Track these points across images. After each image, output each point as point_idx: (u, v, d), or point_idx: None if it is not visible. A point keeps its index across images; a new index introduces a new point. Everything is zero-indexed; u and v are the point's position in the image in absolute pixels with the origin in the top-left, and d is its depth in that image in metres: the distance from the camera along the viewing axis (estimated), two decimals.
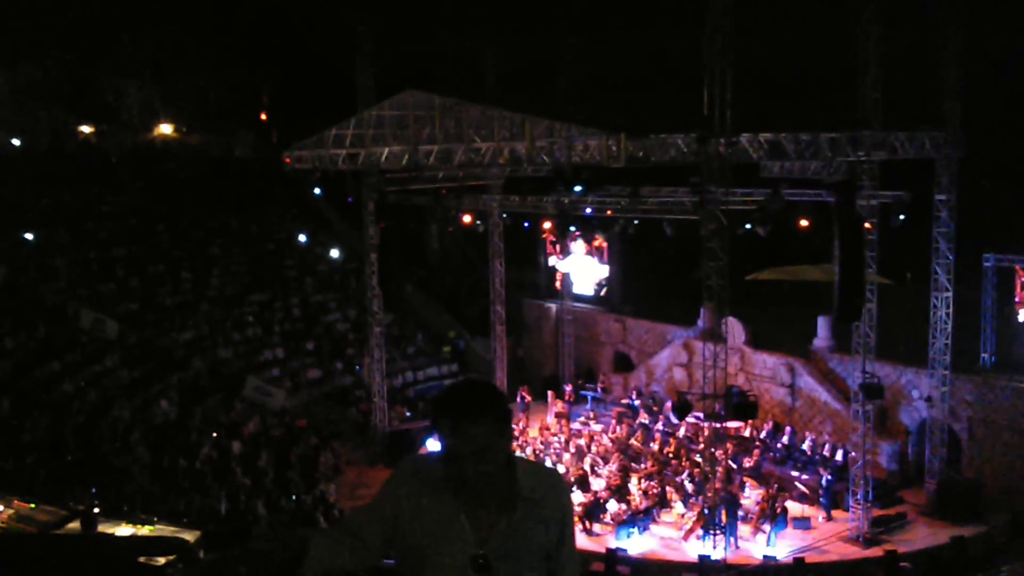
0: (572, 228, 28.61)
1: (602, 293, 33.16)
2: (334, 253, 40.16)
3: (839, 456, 24.52)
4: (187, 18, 46.97)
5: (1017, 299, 24.02)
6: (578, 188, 22.45)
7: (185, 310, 33.28)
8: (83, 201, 38.10)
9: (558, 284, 34.66)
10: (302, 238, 41.01)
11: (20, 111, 44.79)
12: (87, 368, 28.35)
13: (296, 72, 47.64)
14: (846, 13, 20.99)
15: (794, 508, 23.08)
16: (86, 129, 48.23)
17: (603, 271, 32.49)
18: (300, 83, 47.24)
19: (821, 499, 23.35)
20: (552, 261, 33.96)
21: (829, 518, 23.04)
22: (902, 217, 23.28)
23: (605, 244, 31.74)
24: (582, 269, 33.02)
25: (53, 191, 37.82)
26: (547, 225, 31.86)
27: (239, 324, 33.80)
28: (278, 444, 27.52)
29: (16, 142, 43.53)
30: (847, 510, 22.57)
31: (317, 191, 42.68)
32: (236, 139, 49.00)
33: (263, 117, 53.25)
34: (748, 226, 21.67)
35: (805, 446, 25.59)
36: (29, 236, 34.11)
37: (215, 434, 26.55)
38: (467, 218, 30.51)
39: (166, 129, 50.16)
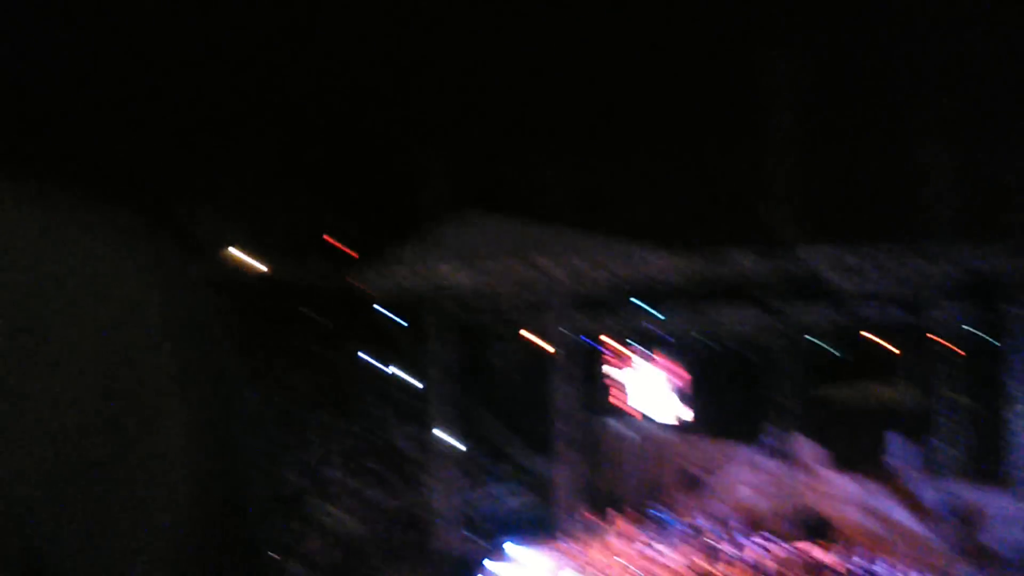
0: (638, 347, 28.59)
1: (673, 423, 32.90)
2: (403, 375, 40.36)
3: None
4: (264, 152, 48.51)
5: None
6: (644, 306, 22.55)
7: (263, 437, 33.43)
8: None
9: (627, 409, 34.48)
10: (371, 361, 41.31)
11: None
12: None
13: (367, 196, 48.67)
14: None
15: None
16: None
17: (670, 397, 32.40)
18: (377, 216, 48.17)
19: None
20: (618, 375, 33.80)
21: None
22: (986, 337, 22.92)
23: (670, 364, 31.55)
24: (647, 389, 32.75)
25: None
26: (612, 344, 31.79)
27: (303, 445, 33.92)
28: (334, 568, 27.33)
29: None
30: None
31: (386, 314, 43.17)
32: (317, 272, 49.84)
33: (335, 244, 54.15)
34: (823, 346, 21.49)
35: (884, 571, 24.54)
36: None
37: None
38: (533, 338, 30.63)
39: (242, 257, 51.20)
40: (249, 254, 50.15)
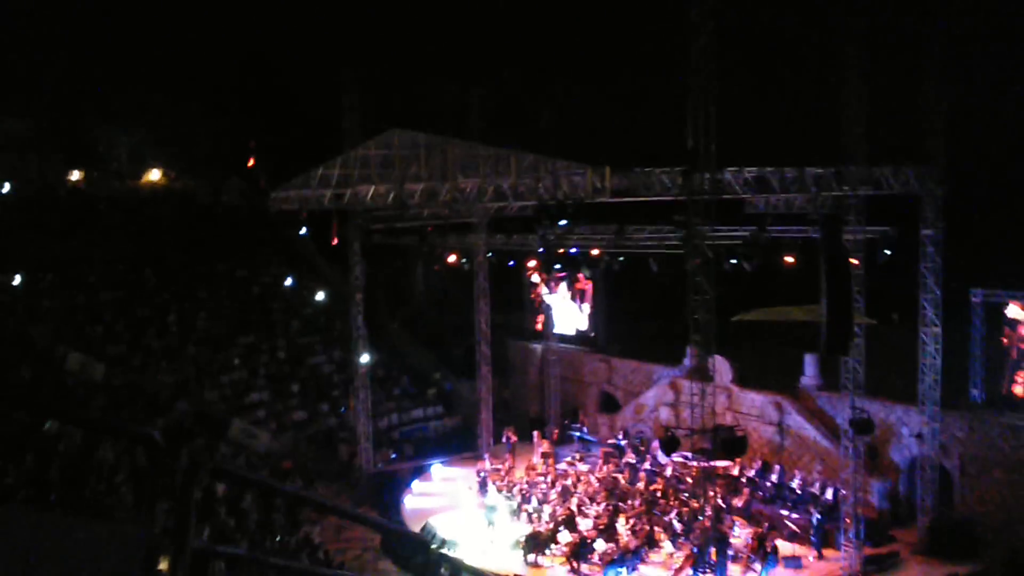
0: (557, 267, 28.56)
1: (591, 334, 33.25)
2: (320, 295, 39.95)
3: (829, 494, 24.16)
4: (175, 67, 47.18)
5: (1005, 337, 23.88)
6: (563, 222, 22.33)
7: (171, 353, 32.93)
8: (71, 246, 37.90)
9: (539, 326, 34.79)
10: (288, 281, 40.80)
11: (9, 159, 44.75)
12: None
13: (282, 118, 47.80)
14: (831, 49, 21.09)
15: (784, 547, 22.69)
16: (76, 176, 48.17)
17: (584, 320, 32.89)
18: (286, 129, 47.38)
19: (812, 538, 23.00)
20: (537, 299, 34.04)
21: (820, 557, 22.67)
22: (888, 252, 23.30)
23: (590, 285, 31.73)
24: (565, 311, 33.07)
25: (42, 236, 37.64)
26: (532, 264, 31.73)
27: (225, 367, 33.46)
28: (258, 494, 27.00)
29: (6, 188, 43.40)
30: (838, 549, 22.22)
31: (303, 233, 42.58)
32: (224, 185, 49.00)
33: (250, 163, 53.27)
34: (734, 260, 21.64)
35: (794, 484, 25.24)
36: (17, 280, 33.88)
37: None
38: (452, 257, 30.43)
39: (154, 176, 50.15)
40: (171, 176, 48.92)
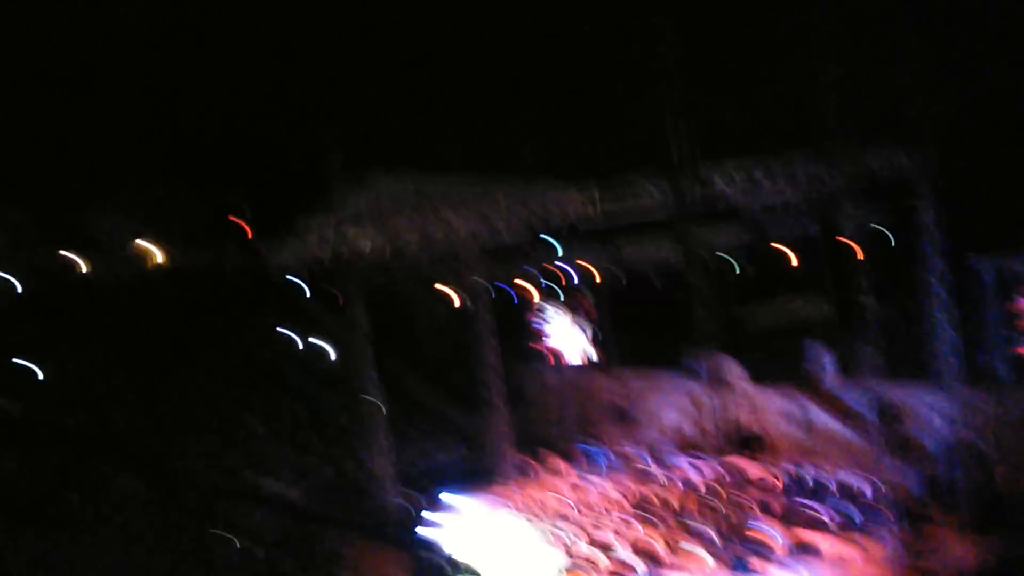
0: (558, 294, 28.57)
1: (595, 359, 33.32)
2: (331, 351, 39.94)
3: (863, 485, 23.71)
4: (159, 144, 47.47)
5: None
6: (559, 248, 22.29)
7: (195, 423, 33.18)
8: (82, 333, 38.12)
9: (542, 347, 34.97)
10: (298, 342, 40.83)
11: (8, 253, 44.96)
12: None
13: (272, 179, 47.94)
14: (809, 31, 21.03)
15: (824, 544, 22.23)
16: (78, 261, 48.38)
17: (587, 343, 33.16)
18: (277, 189, 47.48)
19: (852, 531, 22.54)
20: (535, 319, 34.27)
21: (863, 551, 22.19)
22: (888, 234, 23.13)
23: (591, 304, 31.70)
24: (569, 336, 33.25)
25: (52, 327, 37.86)
26: (532, 291, 31.70)
27: (247, 432, 33.70)
28: (301, 544, 27.15)
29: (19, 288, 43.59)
30: (879, 539, 21.77)
31: (307, 295, 42.70)
32: (224, 256, 49.08)
33: (248, 233, 53.32)
34: (733, 263, 21.50)
35: (825, 479, 24.75)
36: (39, 371, 34.19)
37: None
38: (453, 294, 30.45)
39: (156, 255, 50.26)
40: (156, 247, 49.01)
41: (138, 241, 49.09)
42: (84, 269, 47.62)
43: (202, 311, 40.79)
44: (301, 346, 40.11)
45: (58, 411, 31.98)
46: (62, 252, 46.56)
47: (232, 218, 50.68)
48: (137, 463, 29.71)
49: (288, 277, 28.19)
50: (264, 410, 35.26)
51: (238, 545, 26.15)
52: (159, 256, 49.82)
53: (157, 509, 27.84)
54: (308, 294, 41.15)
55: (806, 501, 24.41)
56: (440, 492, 31.74)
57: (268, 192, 47.55)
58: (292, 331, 40.30)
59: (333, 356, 39.47)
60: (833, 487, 24.49)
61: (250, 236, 50.63)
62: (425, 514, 29.56)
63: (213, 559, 25.19)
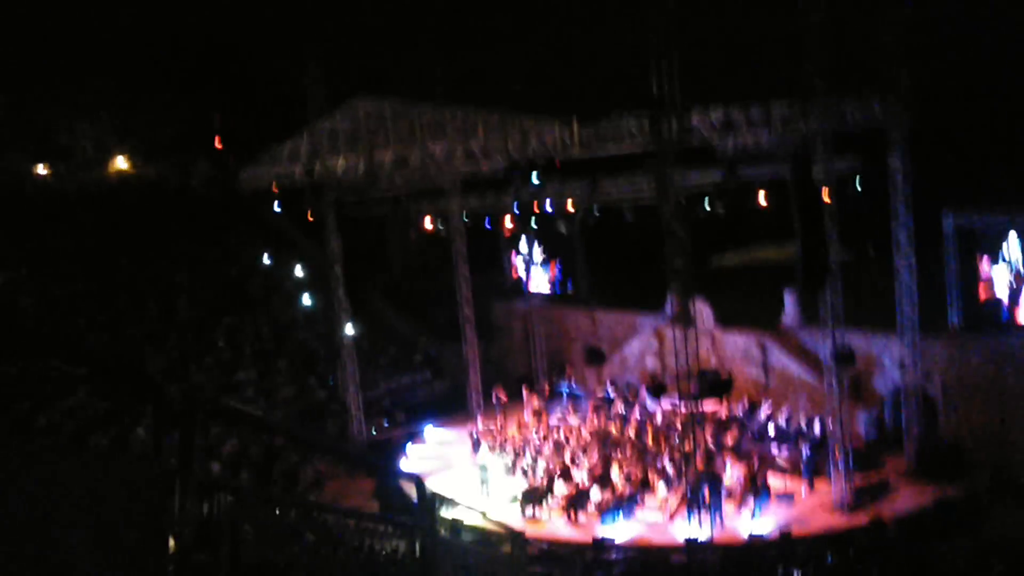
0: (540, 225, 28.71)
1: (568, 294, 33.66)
2: (299, 271, 39.94)
3: (816, 428, 24.54)
4: (132, 52, 46.58)
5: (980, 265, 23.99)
6: (535, 179, 22.41)
7: (154, 340, 32.89)
8: (43, 240, 37.66)
9: (523, 280, 35.19)
10: (265, 259, 40.75)
11: None
12: (60, 402, 27.95)
13: (246, 94, 47.40)
14: None
15: (776, 483, 23.07)
16: (41, 169, 47.68)
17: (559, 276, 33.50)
18: (251, 105, 46.98)
19: (802, 472, 23.38)
20: (517, 255, 34.52)
21: (812, 489, 23.07)
22: (859, 184, 23.43)
23: (566, 238, 31.98)
24: (543, 272, 33.63)
25: (13, 233, 37.35)
26: (509, 225, 31.82)
27: (210, 348, 33.50)
28: (258, 462, 27.25)
29: None
30: (829, 480, 22.59)
31: (277, 209, 42.47)
32: (193, 169, 48.64)
33: (218, 145, 52.81)
34: (708, 206, 21.75)
35: (782, 421, 25.60)
36: None
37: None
38: (428, 223, 30.47)
39: (121, 164, 49.69)
40: (138, 163, 48.49)
41: (106, 151, 48.52)
42: (48, 176, 47.04)
43: (168, 225, 40.50)
44: (269, 265, 40.06)
45: (13, 318, 31.72)
46: (29, 160, 45.95)
47: (206, 133, 50.17)
48: (94, 374, 29.57)
49: (259, 194, 28.04)
50: (228, 328, 35.20)
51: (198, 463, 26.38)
52: (127, 166, 49.29)
53: (115, 423, 27.87)
54: (279, 213, 41.02)
55: (761, 439, 25.23)
56: (408, 420, 32.21)
57: (243, 107, 47.06)
58: (261, 251, 40.20)
59: (302, 276, 39.49)
60: (787, 427, 25.32)
61: (222, 151, 50.25)
62: (393, 441, 30.00)
63: (170, 474, 25.49)
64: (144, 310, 34.54)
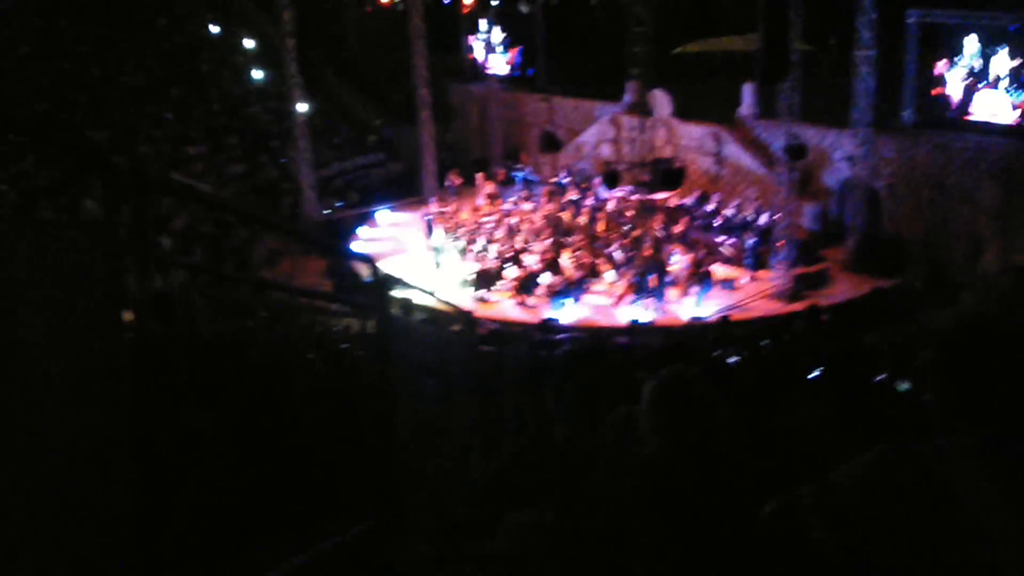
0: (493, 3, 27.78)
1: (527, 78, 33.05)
2: (249, 43, 38.57)
3: (763, 220, 25.02)
4: None
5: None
6: None
7: (99, 108, 31.97)
8: None
9: (481, 63, 34.44)
10: (214, 29, 39.21)
11: None
12: (4, 170, 27.42)
13: None
14: None
15: (720, 271, 23.77)
16: None
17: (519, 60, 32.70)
18: None
19: (746, 261, 24.07)
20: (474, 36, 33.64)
21: (754, 278, 23.83)
22: None
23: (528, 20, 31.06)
24: (503, 55, 32.83)
25: None
26: (468, 1, 30.79)
27: (157, 121, 32.71)
28: (209, 238, 27.28)
29: None
30: (771, 270, 23.32)
31: None
32: None
33: None
34: None
35: (730, 212, 26.03)
36: None
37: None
38: None
39: None
40: None
41: None
42: None
43: None
44: (218, 35, 38.59)
45: None
46: None
47: None
48: (37, 143, 28.89)
49: None
50: (176, 100, 34.25)
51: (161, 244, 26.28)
52: None
53: (63, 193, 27.51)
54: None
55: (708, 229, 25.76)
56: (362, 201, 32.18)
57: None
58: (223, 28, 38.61)
59: (253, 49, 38.22)
60: (735, 218, 25.80)
61: None
62: (346, 222, 30.05)
63: (123, 245, 25.36)
64: (87, 76, 33.37)
